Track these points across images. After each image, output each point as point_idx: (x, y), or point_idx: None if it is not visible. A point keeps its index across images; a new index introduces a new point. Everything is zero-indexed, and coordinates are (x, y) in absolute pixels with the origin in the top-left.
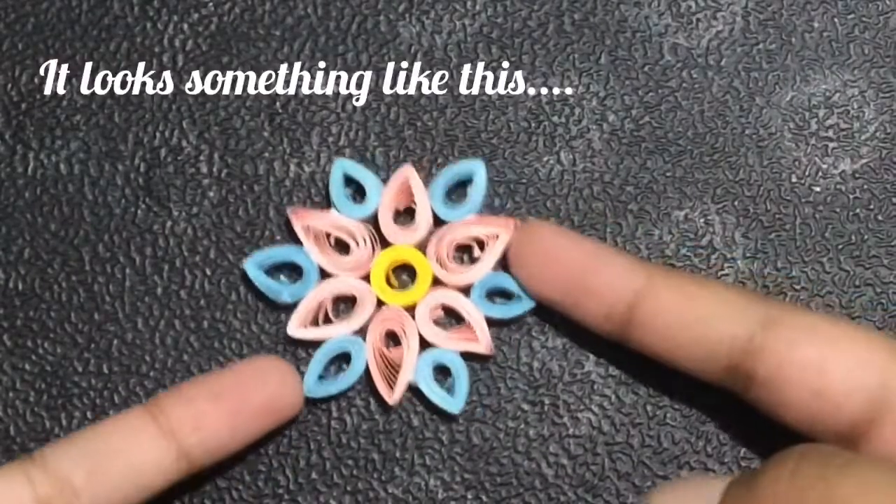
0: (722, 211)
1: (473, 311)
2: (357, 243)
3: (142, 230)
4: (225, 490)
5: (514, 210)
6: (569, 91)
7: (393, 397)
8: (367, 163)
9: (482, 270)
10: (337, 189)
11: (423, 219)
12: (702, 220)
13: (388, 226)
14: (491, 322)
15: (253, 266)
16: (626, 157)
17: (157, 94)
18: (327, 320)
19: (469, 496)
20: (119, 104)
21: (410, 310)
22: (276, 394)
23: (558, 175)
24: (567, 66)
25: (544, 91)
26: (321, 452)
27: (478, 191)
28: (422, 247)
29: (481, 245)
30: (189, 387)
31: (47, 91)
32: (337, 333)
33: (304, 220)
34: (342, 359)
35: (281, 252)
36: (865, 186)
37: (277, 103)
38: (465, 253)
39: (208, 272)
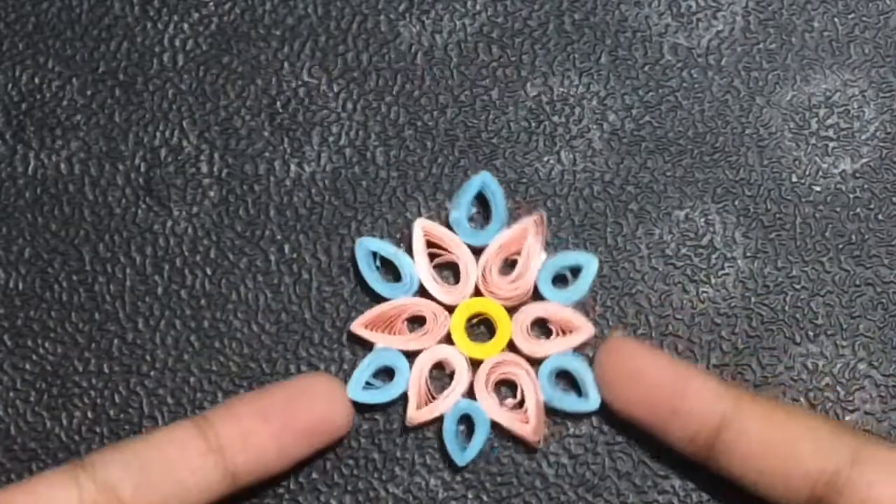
0: (722, 211)
1: (533, 394)
2: (461, 278)
3: (142, 230)
4: None
5: (515, 210)
6: (569, 91)
7: (414, 420)
8: (367, 163)
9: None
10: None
11: (528, 280)
12: (702, 220)
13: (494, 279)
14: (551, 410)
15: (364, 247)
16: (626, 157)
17: (157, 94)
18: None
19: (469, 496)
20: (119, 104)
21: (473, 362)
22: (324, 414)
23: (558, 175)
24: (567, 66)
25: (544, 91)
26: (321, 452)
27: (585, 281)
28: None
29: (562, 330)
30: (237, 403)
31: (47, 91)
32: (393, 344)
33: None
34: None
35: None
36: (865, 186)
37: (277, 103)
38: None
39: (208, 272)
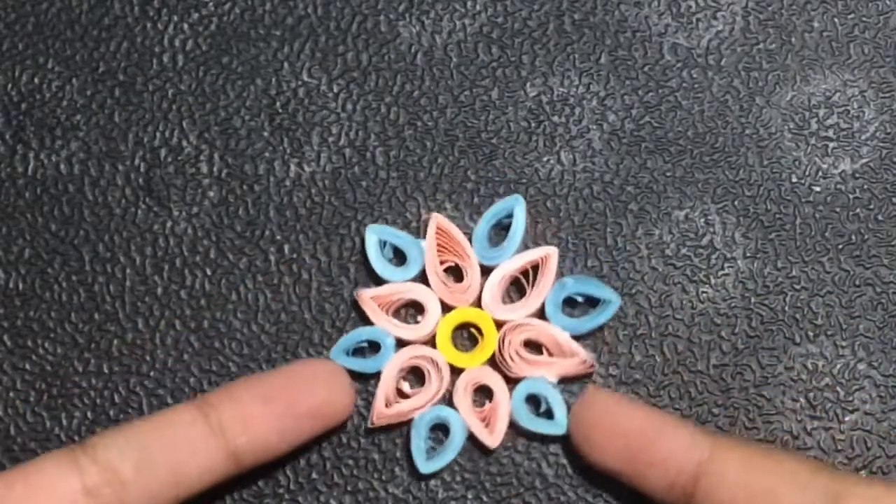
0: (722, 211)
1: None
2: (425, 309)
3: (142, 230)
4: (225, 490)
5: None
6: (569, 91)
7: (495, 441)
8: (367, 163)
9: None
10: (375, 257)
11: (473, 276)
12: (702, 220)
13: (441, 290)
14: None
15: (338, 353)
16: (626, 157)
17: (157, 94)
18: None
19: (469, 496)
20: (119, 104)
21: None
22: (326, 398)
23: (558, 175)
24: (567, 66)
25: (544, 91)
26: (321, 452)
27: (518, 227)
28: (477, 301)
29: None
30: (239, 387)
31: (47, 91)
32: (419, 405)
33: (370, 298)
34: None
35: (361, 333)
36: (865, 186)
37: (277, 103)
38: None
39: (208, 272)
